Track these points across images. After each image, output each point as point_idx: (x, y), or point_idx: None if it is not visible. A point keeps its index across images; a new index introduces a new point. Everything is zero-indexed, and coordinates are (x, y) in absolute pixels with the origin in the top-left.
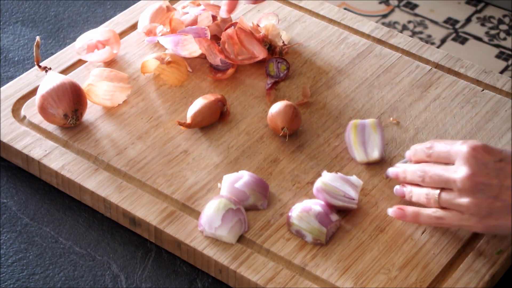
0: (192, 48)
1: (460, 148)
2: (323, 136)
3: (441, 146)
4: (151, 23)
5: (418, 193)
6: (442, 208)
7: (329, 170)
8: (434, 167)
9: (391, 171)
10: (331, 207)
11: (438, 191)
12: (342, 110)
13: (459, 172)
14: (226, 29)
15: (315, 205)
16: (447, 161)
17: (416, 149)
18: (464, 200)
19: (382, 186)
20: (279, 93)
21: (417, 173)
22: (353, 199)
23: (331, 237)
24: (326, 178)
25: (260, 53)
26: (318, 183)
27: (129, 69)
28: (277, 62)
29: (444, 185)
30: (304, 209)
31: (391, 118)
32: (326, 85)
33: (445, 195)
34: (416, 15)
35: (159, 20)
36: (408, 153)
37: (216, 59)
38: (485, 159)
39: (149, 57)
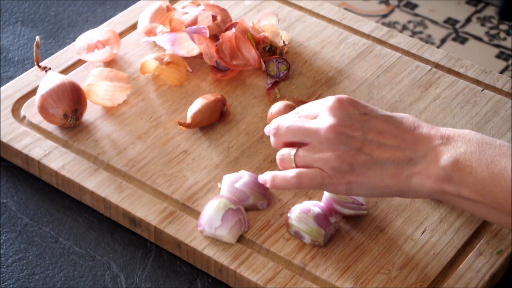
0: (189, 46)
1: (326, 101)
2: None
3: (309, 106)
4: (151, 23)
5: (278, 155)
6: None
7: None
8: (295, 118)
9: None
10: (336, 212)
11: (294, 150)
12: None
13: (322, 122)
14: (226, 29)
15: (314, 206)
16: (314, 118)
17: (284, 116)
18: (326, 154)
19: None
20: (279, 94)
21: (273, 125)
22: (362, 205)
23: (329, 239)
24: None
25: (255, 63)
26: (326, 193)
27: (129, 69)
28: (277, 62)
29: (304, 138)
30: (303, 210)
31: None
32: (326, 85)
33: (302, 152)
34: (416, 15)
35: (159, 20)
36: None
37: (212, 59)
38: (350, 110)
39: (148, 58)
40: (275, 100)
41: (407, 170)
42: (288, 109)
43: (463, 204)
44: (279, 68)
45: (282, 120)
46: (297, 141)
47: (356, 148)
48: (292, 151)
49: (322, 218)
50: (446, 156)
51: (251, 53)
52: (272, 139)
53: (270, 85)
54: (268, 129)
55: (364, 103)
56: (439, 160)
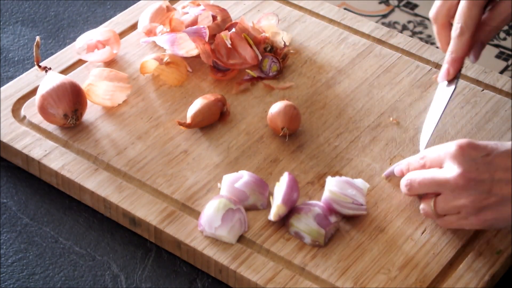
0: (188, 46)
1: (448, 148)
2: (323, 136)
3: (432, 152)
4: (150, 23)
5: (421, 209)
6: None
7: (329, 170)
8: (424, 171)
9: (396, 170)
10: (335, 213)
11: (432, 201)
12: (342, 110)
13: (449, 171)
14: (226, 28)
15: (314, 206)
16: (440, 166)
17: (409, 162)
18: (459, 201)
19: (382, 186)
20: (279, 93)
21: (405, 182)
22: (362, 205)
23: (330, 238)
24: (332, 184)
25: (253, 60)
26: (326, 193)
27: (129, 69)
28: (272, 61)
29: (437, 189)
30: (303, 211)
31: (391, 118)
32: (326, 85)
33: (440, 201)
34: (416, 15)
35: (159, 20)
36: (399, 167)
37: (209, 59)
38: (473, 155)
39: (148, 58)
40: (275, 100)
41: None
42: (288, 109)
43: None
44: (271, 67)
45: (413, 175)
46: (431, 192)
47: (486, 190)
48: (431, 202)
49: (322, 218)
50: None
51: (247, 51)
52: (405, 191)
53: (249, 78)
54: (402, 183)
55: (483, 142)
56: None
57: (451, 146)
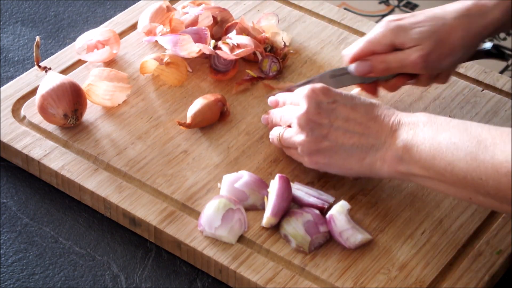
0: (191, 48)
1: (304, 89)
2: None
3: (294, 93)
4: (150, 23)
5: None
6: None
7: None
8: (284, 107)
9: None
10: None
11: (282, 130)
12: None
13: (298, 109)
14: (226, 28)
15: (307, 212)
16: (298, 104)
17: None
18: (299, 137)
19: (382, 186)
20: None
21: (276, 114)
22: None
23: (318, 247)
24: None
25: (256, 47)
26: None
27: (129, 69)
28: (272, 61)
29: (285, 123)
30: (294, 214)
31: None
32: None
33: (285, 134)
34: None
35: (159, 20)
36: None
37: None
38: (321, 99)
39: (148, 58)
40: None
41: (369, 156)
42: None
43: (420, 181)
44: (271, 67)
45: (275, 110)
46: (285, 125)
47: (323, 135)
48: (280, 131)
49: (312, 226)
50: (398, 141)
51: (248, 40)
52: (264, 123)
53: (249, 78)
54: (264, 117)
55: (338, 91)
56: (394, 145)
57: (306, 88)
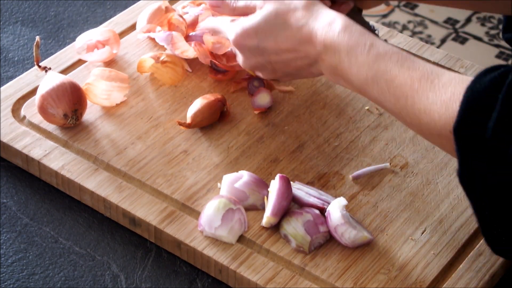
0: (183, 47)
1: (229, 33)
2: (323, 136)
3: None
4: (148, 24)
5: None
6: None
7: (329, 170)
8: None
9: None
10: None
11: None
12: (342, 110)
13: (233, 30)
14: None
15: (307, 212)
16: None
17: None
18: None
19: (382, 186)
20: (279, 93)
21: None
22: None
23: (318, 247)
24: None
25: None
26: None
27: (128, 69)
28: None
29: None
30: (294, 214)
31: (391, 118)
32: (326, 85)
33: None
34: (416, 15)
35: (157, 21)
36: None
37: (206, 60)
38: (247, 44)
39: (145, 56)
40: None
41: (310, 70)
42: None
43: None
44: None
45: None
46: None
47: (263, 64)
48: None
49: (312, 226)
50: (327, 65)
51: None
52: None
53: (248, 77)
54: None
55: (255, 21)
56: (325, 66)
57: (231, 33)
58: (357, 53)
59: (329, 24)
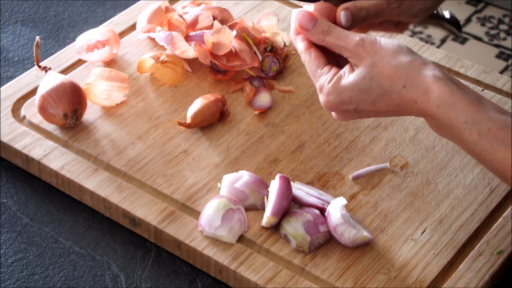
0: (183, 47)
1: (320, 96)
2: (323, 136)
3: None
4: (148, 24)
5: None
6: None
7: (329, 170)
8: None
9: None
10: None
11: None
12: None
13: (323, 96)
14: None
15: (307, 212)
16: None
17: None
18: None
19: (382, 186)
20: (279, 93)
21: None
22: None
23: (318, 247)
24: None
25: (253, 61)
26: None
27: (129, 69)
28: (272, 61)
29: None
30: (294, 214)
31: (391, 118)
32: None
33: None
34: None
35: (157, 21)
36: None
37: (207, 60)
38: (340, 109)
39: (145, 56)
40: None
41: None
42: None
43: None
44: (271, 67)
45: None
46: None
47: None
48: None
49: (312, 225)
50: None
51: (246, 54)
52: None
53: (247, 77)
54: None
55: (346, 99)
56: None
57: (328, 99)
58: (460, 131)
59: (424, 93)
